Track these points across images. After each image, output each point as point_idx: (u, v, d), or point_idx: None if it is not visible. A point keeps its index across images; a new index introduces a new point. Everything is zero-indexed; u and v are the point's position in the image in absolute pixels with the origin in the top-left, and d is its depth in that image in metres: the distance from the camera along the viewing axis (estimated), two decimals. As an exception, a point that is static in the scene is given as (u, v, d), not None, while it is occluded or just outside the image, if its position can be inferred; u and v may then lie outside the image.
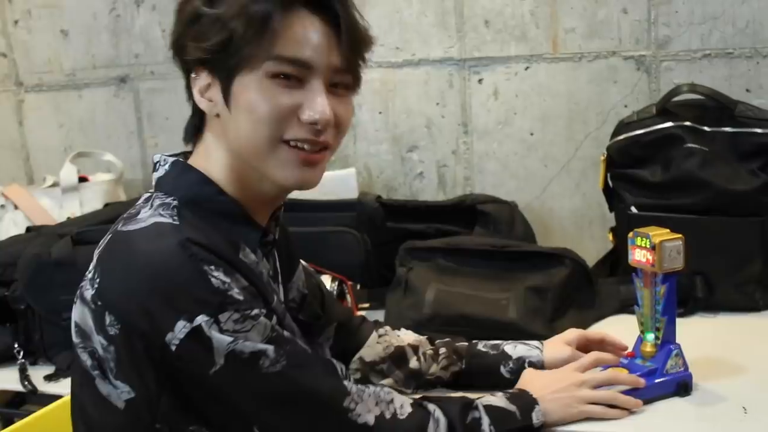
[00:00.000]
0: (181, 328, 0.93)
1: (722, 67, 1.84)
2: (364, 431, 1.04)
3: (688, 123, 1.70)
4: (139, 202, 1.06)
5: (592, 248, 1.94)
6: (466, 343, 1.40)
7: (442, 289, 1.65)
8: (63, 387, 1.49)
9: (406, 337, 1.39)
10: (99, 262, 1.00)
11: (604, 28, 1.91)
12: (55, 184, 2.15)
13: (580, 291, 1.68)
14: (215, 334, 0.94)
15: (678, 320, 1.32)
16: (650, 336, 1.31)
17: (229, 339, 0.94)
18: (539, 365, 1.34)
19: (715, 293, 1.64)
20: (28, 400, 1.63)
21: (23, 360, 1.60)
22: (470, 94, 2.03)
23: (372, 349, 1.36)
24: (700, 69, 1.86)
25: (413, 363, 1.36)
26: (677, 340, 1.32)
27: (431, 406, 1.12)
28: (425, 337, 1.41)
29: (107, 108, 2.35)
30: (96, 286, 0.98)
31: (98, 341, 0.97)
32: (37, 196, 2.12)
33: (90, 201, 2.11)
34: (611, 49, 1.92)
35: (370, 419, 1.04)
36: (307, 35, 1.00)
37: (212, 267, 0.95)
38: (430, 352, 1.37)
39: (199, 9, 1.00)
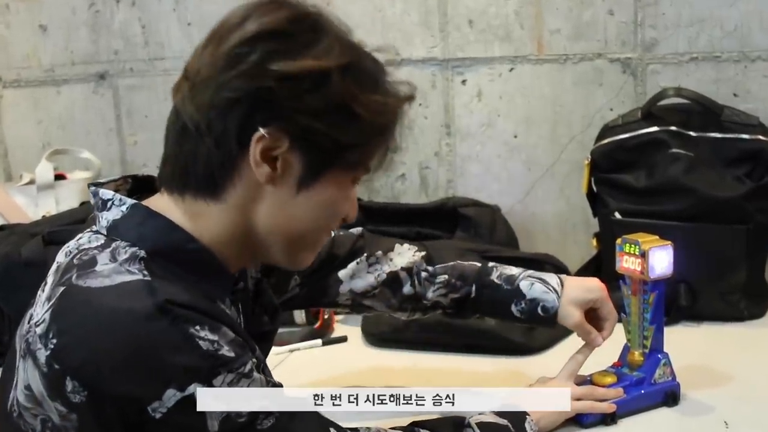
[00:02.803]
0: (171, 396, 0.85)
1: (709, 70, 1.82)
2: None
3: (673, 128, 1.68)
4: (92, 245, 0.93)
5: (576, 253, 1.91)
6: (478, 265, 1.33)
7: (420, 295, 1.62)
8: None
9: (400, 259, 1.33)
10: (54, 319, 0.88)
11: (590, 30, 1.88)
12: (31, 182, 2.11)
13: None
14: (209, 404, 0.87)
15: (662, 329, 1.30)
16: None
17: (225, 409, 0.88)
18: (552, 312, 1.28)
19: (699, 302, 1.62)
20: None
21: (-9, 362, 1.56)
22: (453, 95, 2.00)
23: (363, 280, 1.31)
24: (687, 72, 1.83)
25: (407, 288, 1.31)
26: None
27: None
28: (422, 254, 1.34)
29: (86, 105, 2.32)
30: (51, 347, 0.86)
31: (53, 408, 0.87)
32: (13, 193, 2.08)
33: (66, 199, 2.06)
34: (597, 51, 1.89)
35: None
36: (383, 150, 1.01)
37: (197, 327, 0.86)
38: (425, 274, 1.32)
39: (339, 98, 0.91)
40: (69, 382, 0.85)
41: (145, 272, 0.89)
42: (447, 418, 1.15)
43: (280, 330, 1.66)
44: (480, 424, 1.14)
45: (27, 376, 0.89)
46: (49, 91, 2.34)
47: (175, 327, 0.85)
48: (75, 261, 0.92)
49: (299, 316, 1.69)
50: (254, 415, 0.89)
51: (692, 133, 1.67)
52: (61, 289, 0.90)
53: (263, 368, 0.96)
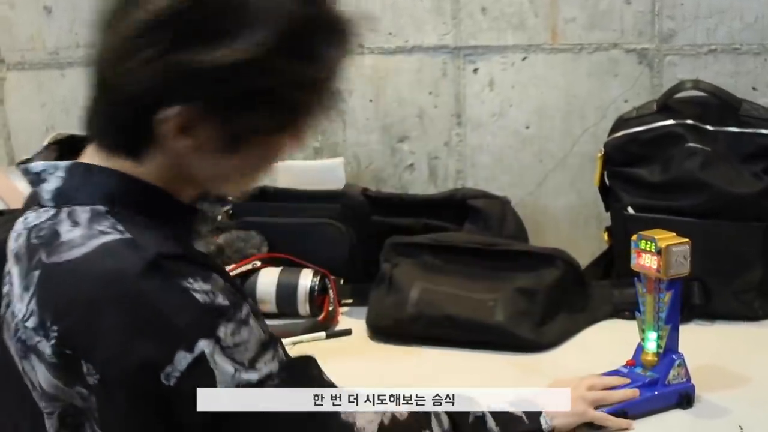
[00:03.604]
0: (182, 359, 0.81)
1: (728, 63, 1.78)
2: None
3: (690, 121, 1.64)
4: (42, 219, 0.89)
5: (586, 248, 1.87)
6: None
7: (427, 288, 1.59)
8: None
9: None
10: (43, 306, 0.85)
11: (606, 19, 1.84)
12: (33, 166, 2.09)
13: (572, 294, 1.62)
14: (219, 361, 0.83)
15: (675, 328, 1.28)
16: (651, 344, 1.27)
17: (232, 370, 0.84)
18: None
19: (713, 300, 1.58)
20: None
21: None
22: (464, 84, 1.96)
23: None
24: (705, 65, 1.79)
25: None
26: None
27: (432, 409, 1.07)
28: None
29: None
30: (54, 334, 0.83)
31: (75, 394, 0.84)
32: (14, 178, 2.06)
33: (68, 184, 2.05)
34: (613, 41, 1.85)
35: (371, 428, 0.98)
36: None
37: (191, 280, 0.83)
38: None
39: (263, 84, 0.86)
40: (84, 364, 0.83)
41: (120, 228, 0.86)
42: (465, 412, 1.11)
43: (284, 322, 1.65)
44: (492, 413, 1.11)
45: (36, 375, 0.86)
46: (53, 74, 2.30)
47: (169, 283, 0.83)
48: (34, 241, 0.88)
49: (303, 308, 1.66)
50: (264, 382, 0.87)
51: (709, 127, 1.64)
52: (37, 273, 0.86)
53: (258, 315, 0.92)
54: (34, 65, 2.32)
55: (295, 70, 0.87)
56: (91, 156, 0.92)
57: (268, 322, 1.63)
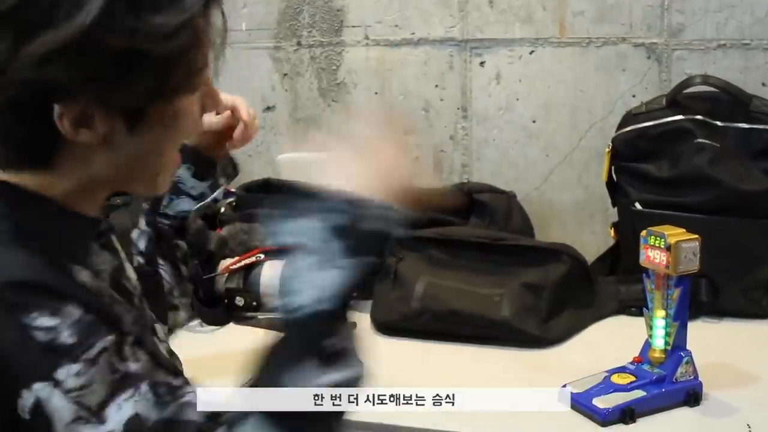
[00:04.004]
0: (27, 397, 0.78)
1: (737, 58, 1.76)
2: None
3: (699, 117, 1.63)
4: None
5: (593, 243, 1.86)
6: None
7: (432, 282, 1.58)
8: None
9: None
10: None
11: (615, 13, 1.83)
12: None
13: (578, 289, 1.61)
14: (58, 405, 0.78)
15: (682, 325, 1.27)
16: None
17: (71, 417, 0.78)
18: None
19: (720, 298, 1.57)
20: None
21: None
22: (471, 77, 1.95)
23: None
24: (714, 60, 1.78)
25: None
26: (684, 347, 1.27)
27: None
28: None
29: None
30: None
31: None
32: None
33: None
34: (621, 35, 1.83)
35: None
36: (209, 63, 0.91)
37: (34, 314, 0.78)
38: None
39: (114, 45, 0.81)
40: None
41: None
42: None
43: (288, 315, 1.64)
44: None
45: None
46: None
47: (9, 317, 0.78)
48: None
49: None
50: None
51: (719, 123, 1.62)
52: None
53: (134, 343, 0.84)
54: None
55: (151, 21, 0.81)
56: None
57: (271, 315, 1.65)
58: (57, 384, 0.78)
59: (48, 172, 0.86)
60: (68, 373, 0.78)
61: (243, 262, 1.68)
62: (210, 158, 1.26)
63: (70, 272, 0.85)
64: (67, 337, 0.79)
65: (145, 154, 0.89)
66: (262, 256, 1.70)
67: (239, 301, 1.66)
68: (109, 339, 0.81)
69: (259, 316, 1.66)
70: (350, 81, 2.03)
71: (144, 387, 0.81)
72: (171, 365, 0.97)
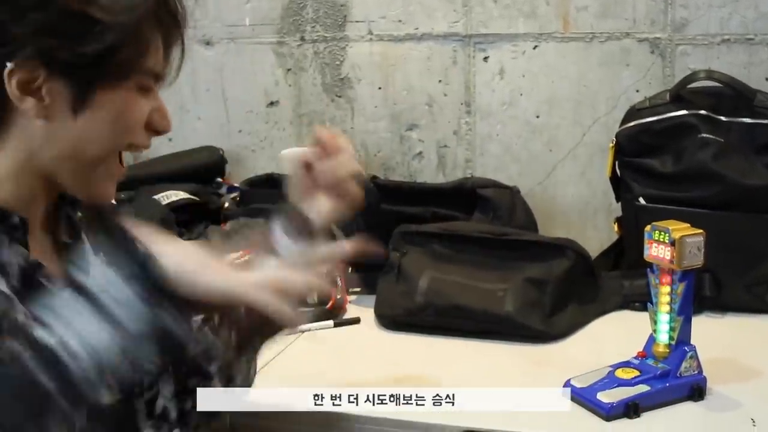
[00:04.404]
0: None
1: (741, 53, 1.76)
2: None
3: (703, 111, 1.62)
4: None
5: (596, 239, 1.87)
6: None
7: (436, 277, 1.58)
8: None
9: None
10: None
11: (618, 8, 1.83)
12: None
13: (582, 284, 1.61)
14: None
15: (685, 320, 1.27)
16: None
17: None
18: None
19: (724, 293, 1.57)
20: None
21: None
22: (474, 73, 1.95)
23: None
24: (718, 55, 1.78)
25: None
26: (687, 341, 1.27)
27: None
28: None
29: None
30: None
31: None
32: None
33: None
34: (625, 30, 1.83)
35: None
36: (160, 49, 0.93)
37: None
38: None
39: (70, 5, 0.84)
40: None
41: None
42: None
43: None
44: None
45: None
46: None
47: None
48: None
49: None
50: None
51: (723, 118, 1.62)
52: None
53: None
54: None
55: None
56: None
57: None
58: None
59: None
60: None
61: (247, 257, 1.68)
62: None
63: None
64: None
65: (83, 141, 0.90)
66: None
67: (243, 295, 1.66)
68: None
69: (263, 311, 1.66)
70: (354, 76, 2.03)
71: None
72: None
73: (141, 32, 0.89)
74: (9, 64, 0.84)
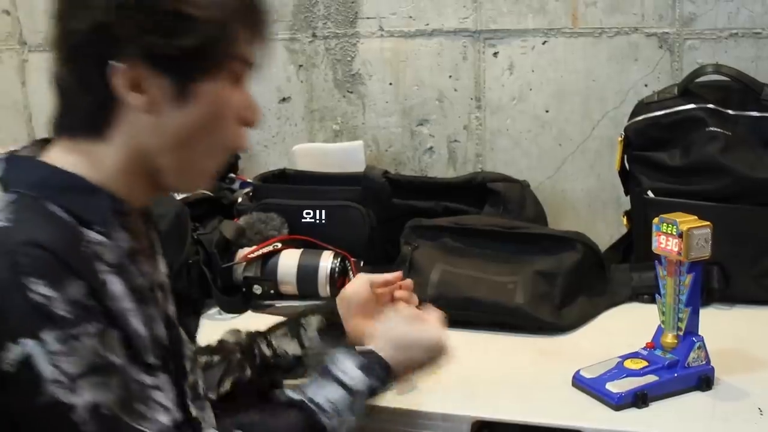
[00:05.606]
0: (10, 351, 0.83)
1: (749, 47, 1.77)
2: None
3: (711, 105, 1.64)
4: None
5: (605, 232, 1.88)
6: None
7: (447, 270, 1.60)
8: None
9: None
10: None
11: (627, 3, 1.84)
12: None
13: (591, 277, 1.63)
14: (42, 364, 0.83)
15: (694, 311, 1.28)
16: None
17: (52, 377, 0.83)
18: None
19: (732, 284, 1.58)
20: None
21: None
22: (484, 68, 1.96)
23: None
24: (726, 49, 1.79)
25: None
26: (696, 332, 1.28)
27: None
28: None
29: None
30: None
31: None
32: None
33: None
34: (633, 25, 1.84)
35: None
36: (249, 39, 0.99)
37: (33, 279, 0.84)
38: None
39: (166, 4, 0.91)
40: None
41: (11, 216, 0.89)
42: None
43: (305, 303, 1.66)
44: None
45: None
46: (74, 55, 2.32)
47: (12, 276, 0.84)
48: None
49: (324, 289, 1.67)
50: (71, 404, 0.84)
51: (730, 112, 1.63)
52: None
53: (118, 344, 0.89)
54: (56, 47, 2.33)
55: None
56: (50, 149, 0.97)
57: (289, 303, 1.67)
58: (42, 344, 0.83)
59: (102, 142, 0.95)
60: (53, 337, 0.83)
61: (260, 251, 1.71)
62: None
63: (87, 247, 0.91)
64: (60, 309, 0.84)
65: (185, 134, 0.95)
66: (280, 245, 1.73)
67: (257, 289, 1.68)
68: (98, 327, 0.87)
69: (277, 304, 1.68)
70: (365, 72, 2.05)
71: (115, 381, 0.87)
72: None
73: (231, 25, 0.95)
74: (115, 63, 0.91)
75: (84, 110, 0.95)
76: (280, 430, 1.03)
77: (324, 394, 1.04)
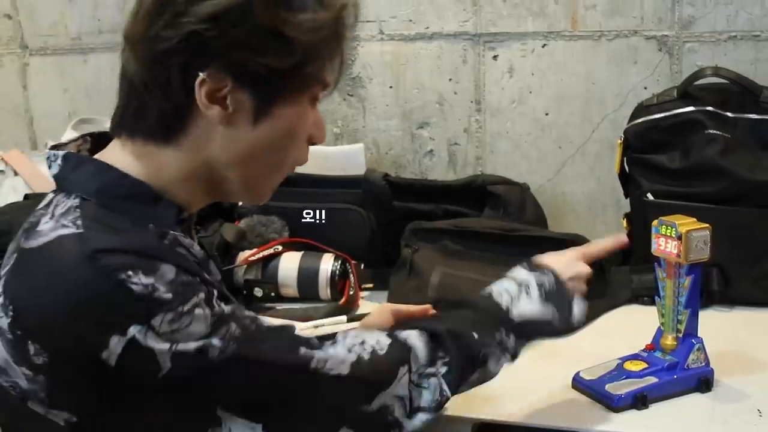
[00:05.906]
0: (116, 343, 0.85)
1: (748, 50, 1.77)
2: (340, 382, 0.96)
3: (710, 108, 1.64)
4: (40, 206, 0.95)
5: (605, 234, 1.83)
6: None
7: (447, 273, 1.60)
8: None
9: None
10: (6, 286, 0.90)
11: (626, 6, 1.84)
12: (56, 151, 2.10)
13: (591, 279, 1.62)
14: (153, 342, 0.85)
15: (694, 313, 1.28)
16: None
17: (168, 345, 0.86)
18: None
19: (732, 286, 1.58)
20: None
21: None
22: (484, 71, 1.97)
23: None
24: (725, 52, 1.79)
25: None
26: (695, 334, 1.28)
27: (403, 333, 1.06)
28: None
29: (113, 74, 2.23)
30: (11, 314, 0.88)
31: (20, 374, 0.88)
32: (38, 162, 2.07)
33: (91, 169, 2.06)
34: (632, 28, 1.85)
35: (344, 370, 0.96)
36: (334, 61, 1.00)
37: (129, 273, 0.85)
38: None
39: (267, 23, 0.91)
40: (31, 345, 0.87)
41: (79, 222, 0.90)
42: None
43: (305, 306, 1.67)
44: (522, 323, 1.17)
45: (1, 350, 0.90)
46: (75, 59, 2.32)
47: (104, 275, 0.85)
48: (25, 225, 0.94)
49: (324, 292, 1.67)
50: (204, 349, 0.87)
51: (729, 114, 1.63)
52: (14, 256, 0.92)
53: (219, 299, 0.92)
54: (57, 51, 2.34)
55: (302, 11, 0.92)
56: (109, 148, 0.98)
57: (290, 306, 1.67)
58: (151, 327, 0.85)
59: (169, 147, 0.95)
60: (163, 320, 0.86)
61: (261, 254, 1.71)
62: None
63: (163, 238, 0.92)
64: (163, 292, 0.86)
65: (258, 149, 0.96)
66: (280, 248, 1.73)
67: (258, 291, 1.69)
68: (201, 296, 0.89)
69: (278, 307, 1.68)
70: (365, 75, 2.05)
71: (234, 326, 0.90)
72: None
73: (323, 51, 0.96)
74: (202, 74, 0.91)
75: (159, 114, 0.94)
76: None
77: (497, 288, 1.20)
